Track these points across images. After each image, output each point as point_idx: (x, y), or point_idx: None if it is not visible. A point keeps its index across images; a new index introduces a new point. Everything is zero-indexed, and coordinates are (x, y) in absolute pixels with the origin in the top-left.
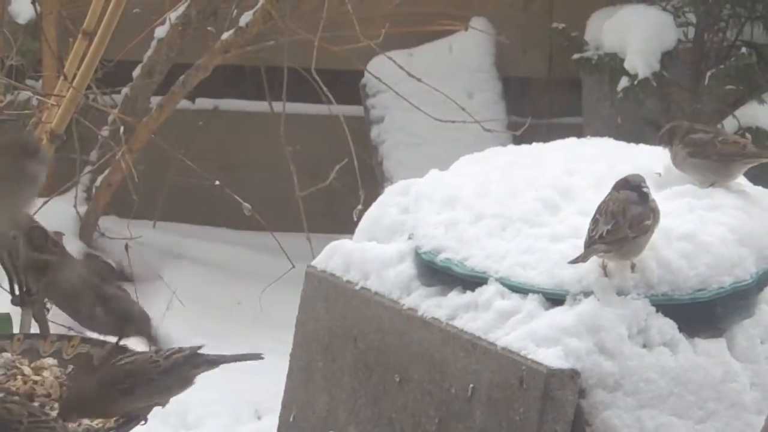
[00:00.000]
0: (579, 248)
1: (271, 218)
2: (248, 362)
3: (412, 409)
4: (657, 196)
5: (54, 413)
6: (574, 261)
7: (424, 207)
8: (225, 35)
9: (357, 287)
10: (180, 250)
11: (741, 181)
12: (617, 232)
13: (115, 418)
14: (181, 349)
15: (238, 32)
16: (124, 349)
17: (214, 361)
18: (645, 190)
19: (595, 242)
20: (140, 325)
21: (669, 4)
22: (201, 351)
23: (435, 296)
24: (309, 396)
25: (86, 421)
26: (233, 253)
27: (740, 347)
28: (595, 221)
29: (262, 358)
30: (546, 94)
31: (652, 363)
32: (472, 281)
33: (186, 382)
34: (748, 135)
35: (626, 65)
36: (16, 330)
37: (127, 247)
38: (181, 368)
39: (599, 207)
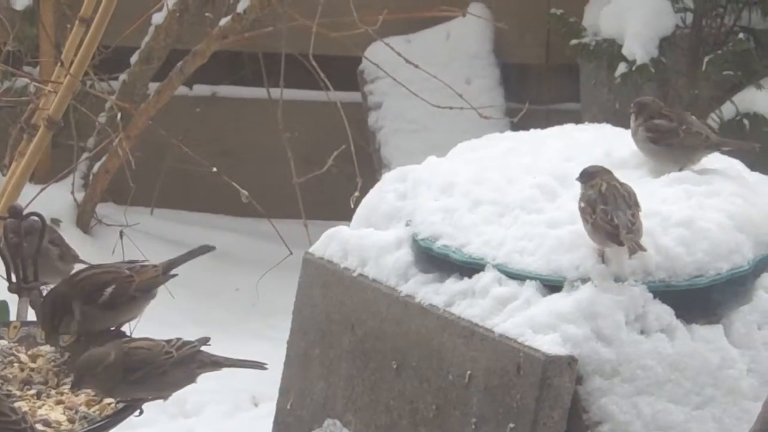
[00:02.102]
0: (577, 234)
1: (269, 205)
2: (247, 349)
3: (410, 395)
4: (648, 180)
5: (22, 411)
6: (633, 251)
7: (422, 193)
8: (223, 21)
9: (354, 274)
10: (177, 237)
11: (739, 167)
12: (636, 218)
13: (113, 407)
14: (190, 342)
15: (236, 18)
16: (124, 334)
17: (218, 363)
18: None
19: (631, 231)
20: None
21: None
22: (207, 345)
23: (432, 283)
24: (306, 383)
25: (83, 408)
26: (231, 239)
27: (737, 333)
28: (604, 212)
29: (266, 368)
30: (544, 80)
31: (649, 349)
32: (469, 268)
33: (191, 379)
34: (715, 117)
35: (624, 51)
36: (12, 317)
37: (121, 233)
38: (189, 365)
39: (604, 195)
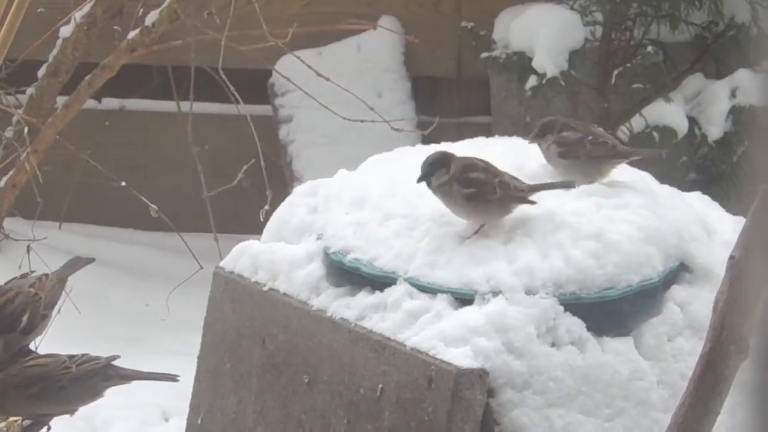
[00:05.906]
0: (488, 248)
1: (179, 219)
2: (157, 364)
3: (322, 410)
4: (558, 193)
5: None
6: (529, 202)
7: (333, 207)
8: (131, 34)
9: (265, 288)
10: (86, 252)
11: (648, 179)
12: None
13: (19, 424)
14: (95, 358)
15: (145, 31)
16: (30, 352)
17: (126, 376)
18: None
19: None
20: None
21: (576, 3)
22: (115, 362)
23: (344, 297)
24: (217, 398)
25: None
26: (141, 254)
27: (647, 345)
28: (503, 183)
29: (177, 380)
30: (455, 94)
31: (560, 362)
32: (380, 281)
33: (96, 393)
34: (625, 130)
35: (534, 64)
36: None
37: (29, 248)
38: (92, 379)
39: (486, 171)
